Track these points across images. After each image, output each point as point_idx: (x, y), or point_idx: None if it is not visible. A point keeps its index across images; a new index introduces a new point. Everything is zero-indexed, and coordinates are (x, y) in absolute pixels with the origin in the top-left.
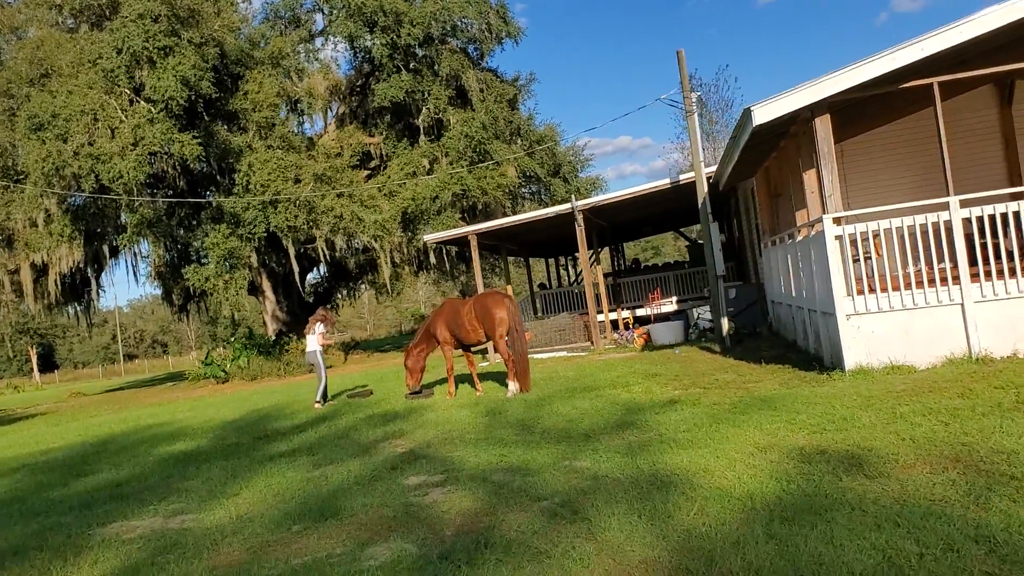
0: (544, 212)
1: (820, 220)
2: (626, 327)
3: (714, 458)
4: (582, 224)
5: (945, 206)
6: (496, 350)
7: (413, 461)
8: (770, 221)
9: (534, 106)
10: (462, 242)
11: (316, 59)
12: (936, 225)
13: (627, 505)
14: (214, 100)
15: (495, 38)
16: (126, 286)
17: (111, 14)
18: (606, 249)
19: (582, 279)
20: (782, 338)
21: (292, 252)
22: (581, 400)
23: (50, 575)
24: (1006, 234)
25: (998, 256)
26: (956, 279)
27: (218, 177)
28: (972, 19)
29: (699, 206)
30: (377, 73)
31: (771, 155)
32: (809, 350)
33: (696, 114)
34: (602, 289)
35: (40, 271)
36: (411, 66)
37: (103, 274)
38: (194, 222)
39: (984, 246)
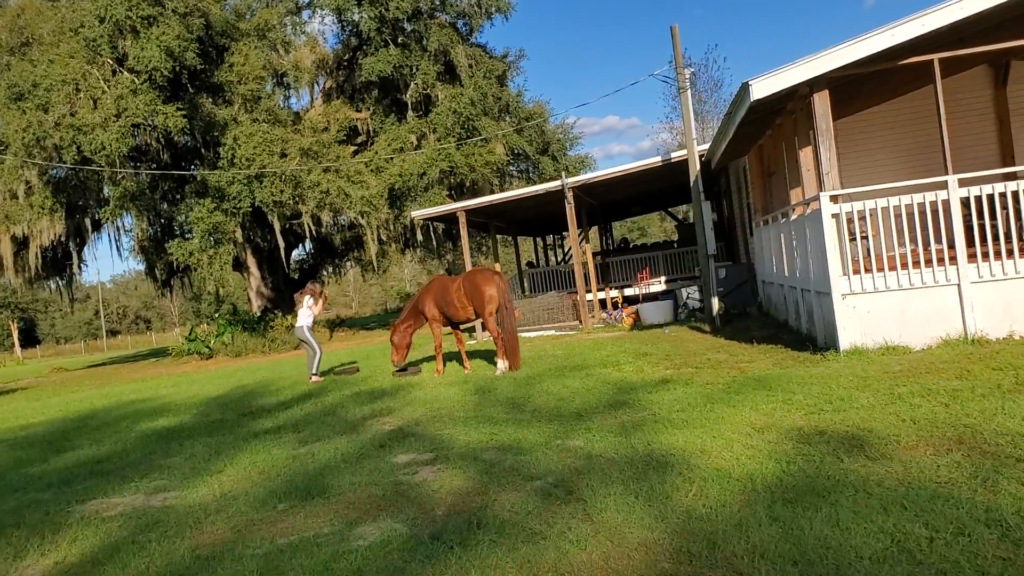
0: (534, 189)
1: (816, 198)
2: (614, 306)
3: (710, 438)
4: (572, 202)
5: (943, 185)
6: (485, 328)
7: (401, 439)
8: (762, 200)
9: (523, 83)
10: (450, 219)
11: (303, 32)
12: (934, 204)
13: (623, 485)
14: (199, 72)
15: (484, 13)
16: (109, 261)
17: None
18: (595, 228)
19: (570, 258)
20: (772, 318)
21: (277, 227)
22: (571, 379)
23: (27, 553)
24: (1005, 214)
25: (996, 236)
26: (953, 259)
27: (203, 150)
28: None
29: (691, 184)
30: (365, 47)
31: (765, 133)
32: (801, 330)
33: (689, 91)
34: (591, 268)
35: (21, 244)
36: (399, 40)
37: (85, 248)
38: (178, 196)
39: (982, 226)
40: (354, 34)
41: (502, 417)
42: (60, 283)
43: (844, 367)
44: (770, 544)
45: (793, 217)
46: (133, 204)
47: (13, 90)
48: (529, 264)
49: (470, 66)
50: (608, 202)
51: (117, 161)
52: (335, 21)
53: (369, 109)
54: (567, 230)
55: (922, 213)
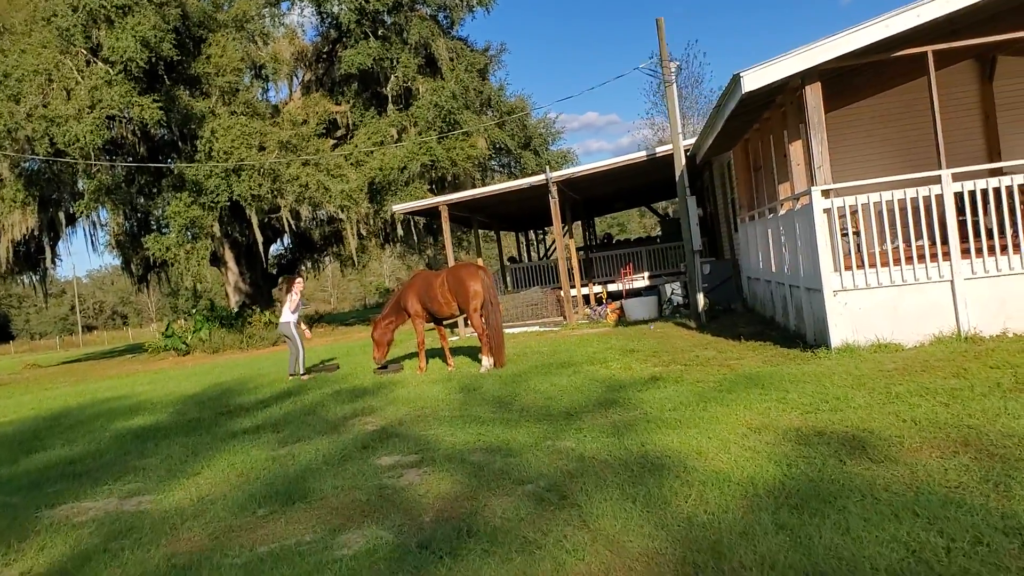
0: (518, 183)
1: (807, 193)
2: (598, 302)
3: (706, 439)
4: (556, 196)
5: (936, 180)
6: (470, 324)
7: (385, 440)
8: (748, 196)
9: (504, 77)
10: (432, 213)
11: (281, 24)
12: (927, 200)
13: (619, 490)
14: (175, 63)
15: (466, 5)
16: (85, 256)
17: None
18: (578, 223)
19: (552, 253)
20: (758, 314)
21: (256, 222)
22: (559, 376)
23: None
24: (998, 210)
25: (989, 232)
26: (946, 255)
27: (180, 143)
28: None
29: (677, 179)
30: (344, 40)
31: (752, 127)
32: (789, 327)
33: (675, 84)
34: (575, 263)
35: None
36: (379, 33)
37: (59, 242)
38: (154, 190)
39: (976, 222)
40: (334, 26)
41: (489, 416)
42: (34, 278)
43: (837, 365)
44: (779, 554)
45: (781, 212)
46: (108, 198)
47: None
48: (511, 259)
49: (451, 59)
50: (591, 197)
51: (92, 154)
52: (314, 13)
53: (349, 102)
54: (550, 225)
55: (915, 209)
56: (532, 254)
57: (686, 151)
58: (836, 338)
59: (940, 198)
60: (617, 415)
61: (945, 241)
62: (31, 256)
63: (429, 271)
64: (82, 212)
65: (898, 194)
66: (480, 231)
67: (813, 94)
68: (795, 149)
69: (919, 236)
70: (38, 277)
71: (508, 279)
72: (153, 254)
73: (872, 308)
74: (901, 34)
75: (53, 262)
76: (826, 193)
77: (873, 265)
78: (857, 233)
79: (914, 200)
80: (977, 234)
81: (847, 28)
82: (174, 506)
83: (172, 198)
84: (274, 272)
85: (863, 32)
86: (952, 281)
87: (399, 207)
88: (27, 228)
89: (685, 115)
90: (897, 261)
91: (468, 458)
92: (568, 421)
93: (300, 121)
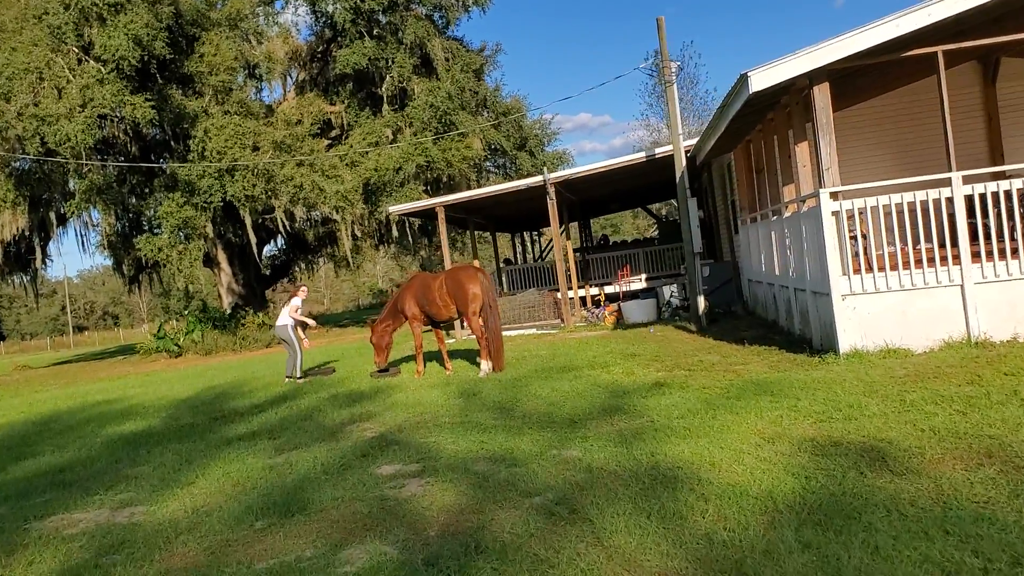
0: (516, 184)
1: (814, 195)
2: (596, 304)
3: (718, 449)
4: (554, 197)
5: (947, 182)
6: (468, 327)
7: (385, 447)
8: (749, 197)
9: (500, 78)
10: (428, 214)
11: (275, 23)
12: (937, 202)
13: (632, 504)
14: (168, 62)
15: (462, 5)
16: (77, 256)
17: None
18: (574, 225)
19: (547, 254)
20: (760, 318)
21: (249, 223)
22: (560, 381)
23: None
24: (1010, 213)
25: (1000, 236)
26: (956, 259)
27: (172, 143)
28: None
29: (677, 180)
30: (339, 39)
31: (755, 128)
32: (794, 331)
33: (675, 84)
34: (572, 265)
35: None
36: (375, 32)
37: (50, 243)
38: (147, 190)
39: (987, 225)
40: (328, 25)
41: (491, 423)
42: (24, 278)
43: (846, 371)
44: None
45: (787, 215)
46: (100, 198)
47: None
48: (506, 261)
49: (447, 59)
50: (588, 199)
51: (83, 153)
52: (308, 12)
53: (344, 102)
54: (546, 226)
55: (924, 211)
56: (527, 256)
57: (686, 152)
58: (845, 343)
59: (950, 201)
60: (623, 423)
61: (955, 244)
62: (22, 256)
63: (427, 273)
64: (73, 212)
65: (907, 197)
66: (475, 232)
67: (821, 94)
68: (801, 150)
69: (928, 239)
70: (28, 277)
71: (504, 281)
72: (145, 255)
73: (881, 313)
74: (910, 34)
75: (44, 262)
76: (835, 195)
77: (882, 269)
78: (865, 236)
79: (923, 203)
80: (988, 237)
81: (855, 28)
82: (168, 518)
83: (164, 198)
84: (267, 273)
85: (873, 32)
86: (962, 285)
87: (395, 208)
88: (17, 228)
89: (682, 116)
90: (907, 265)
91: (471, 468)
92: (572, 429)
93: (294, 121)
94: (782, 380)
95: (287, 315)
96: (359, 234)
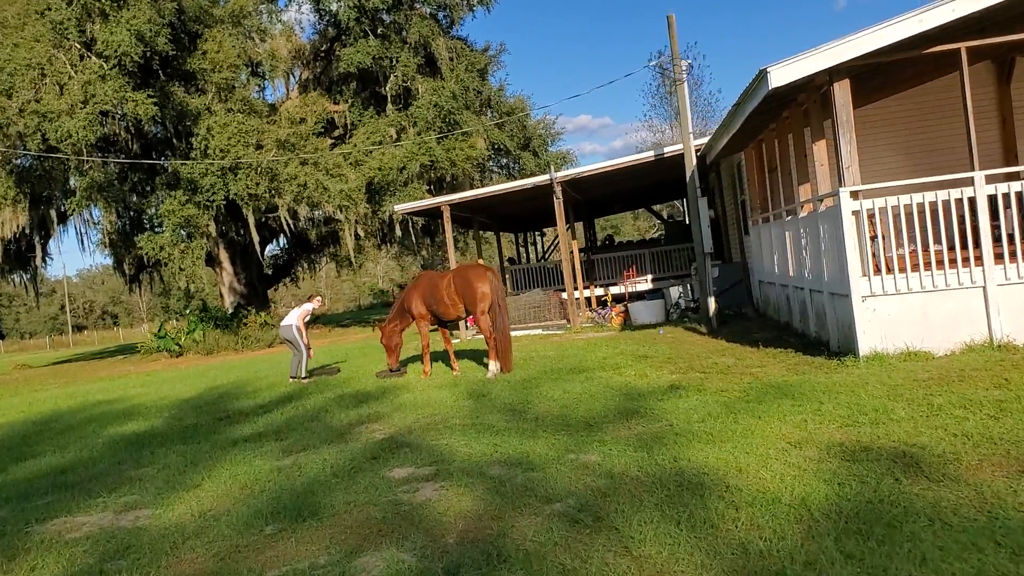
0: (521, 183)
1: (834, 194)
2: (602, 304)
3: (743, 454)
4: (560, 196)
5: (968, 181)
6: (477, 326)
7: (395, 449)
8: (761, 197)
9: (504, 77)
10: (433, 213)
11: (279, 21)
12: (960, 202)
13: (658, 511)
14: (171, 58)
15: (466, 4)
16: (77, 255)
17: None
18: (579, 224)
19: (550, 254)
20: (771, 319)
21: (252, 222)
22: (571, 383)
23: None
24: None
25: None
26: (979, 260)
27: (174, 141)
28: None
29: (687, 180)
30: (343, 38)
31: (767, 127)
32: (809, 333)
33: (686, 82)
34: (577, 265)
35: None
36: (379, 31)
37: (51, 241)
38: (148, 188)
39: (1011, 226)
40: (332, 24)
41: (503, 425)
42: (24, 277)
43: (867, 374)
44: None
45: (802, 214)
46: (101, 195)
47: None
48: (510, 260)
49: (451, 59)
50: (593, 198)
51: (84, 150)
52: (312, 10)
53: (347, 101)
54: (550, 226)
55: (946, 212)
56: (530, 255)
57: (696, 151)
58: (864, 346)
59: (972, 201)
60: (641, 426)
61: (977, 245)
62: (22, 254)
63: (435, 272)
64: (74, 210)
65: (929, 196)
66: (479, 232)
67: (842, 91)
68: (819, 149)
69: (950, 240)
70: (28, 276)
71: (508, 280)
72: (146, 253)
73: (901, 314)
74: (934, 30)
75: (44, 261)
76: (855, 194)
77: (903, 270)
78: (886, 236)
79: (945, 203)
80: (1011, 238)
81: (875, 24)
82: (174, 522)
83: (166, 196)
84: (270, 273)
85: (895, 27)
86: (985, 287)
87: (400, 207)
88: (18, 226)
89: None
90: (928, 266)
91: (487, 472)
92: (589, 432)
93: (298, 120)
94: (802, 383)
95: (295, 317)
96: (362, 234)
